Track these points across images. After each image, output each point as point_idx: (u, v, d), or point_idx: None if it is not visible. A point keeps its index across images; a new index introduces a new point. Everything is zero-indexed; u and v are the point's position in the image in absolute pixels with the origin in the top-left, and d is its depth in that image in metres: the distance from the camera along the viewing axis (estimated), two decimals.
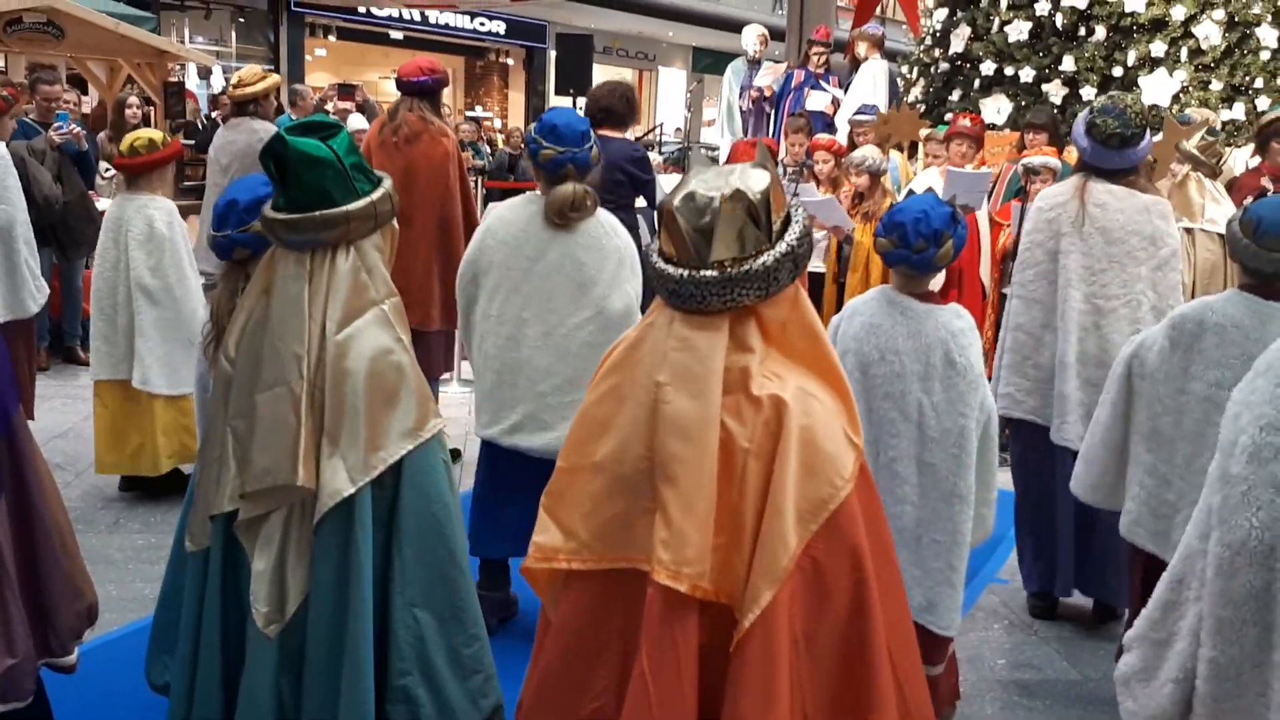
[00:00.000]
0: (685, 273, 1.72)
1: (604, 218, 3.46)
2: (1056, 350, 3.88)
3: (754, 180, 1.75)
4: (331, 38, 19.86)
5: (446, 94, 22.14)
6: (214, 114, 10.61)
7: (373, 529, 2.27)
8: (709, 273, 1.72)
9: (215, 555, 2.37)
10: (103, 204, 6.80)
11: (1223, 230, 3.93)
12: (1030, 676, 3.70)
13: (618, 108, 5.14)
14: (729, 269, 1.72)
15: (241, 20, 17.93)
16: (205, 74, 14.06)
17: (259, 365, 2.26)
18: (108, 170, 7.76)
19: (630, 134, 5.56)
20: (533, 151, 3.44)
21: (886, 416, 2.94)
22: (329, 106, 10.56)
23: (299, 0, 17.93)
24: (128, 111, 7.92)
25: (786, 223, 1.78)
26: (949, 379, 2.89)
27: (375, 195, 2.26)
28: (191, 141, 9.99)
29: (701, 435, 1.70)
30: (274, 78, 5.85)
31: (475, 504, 3.68)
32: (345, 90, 10.30)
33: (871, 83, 8.83)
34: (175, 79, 10.87)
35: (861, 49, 9.07)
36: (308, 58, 19.24)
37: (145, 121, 8.47)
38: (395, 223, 2.37)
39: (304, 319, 2.21)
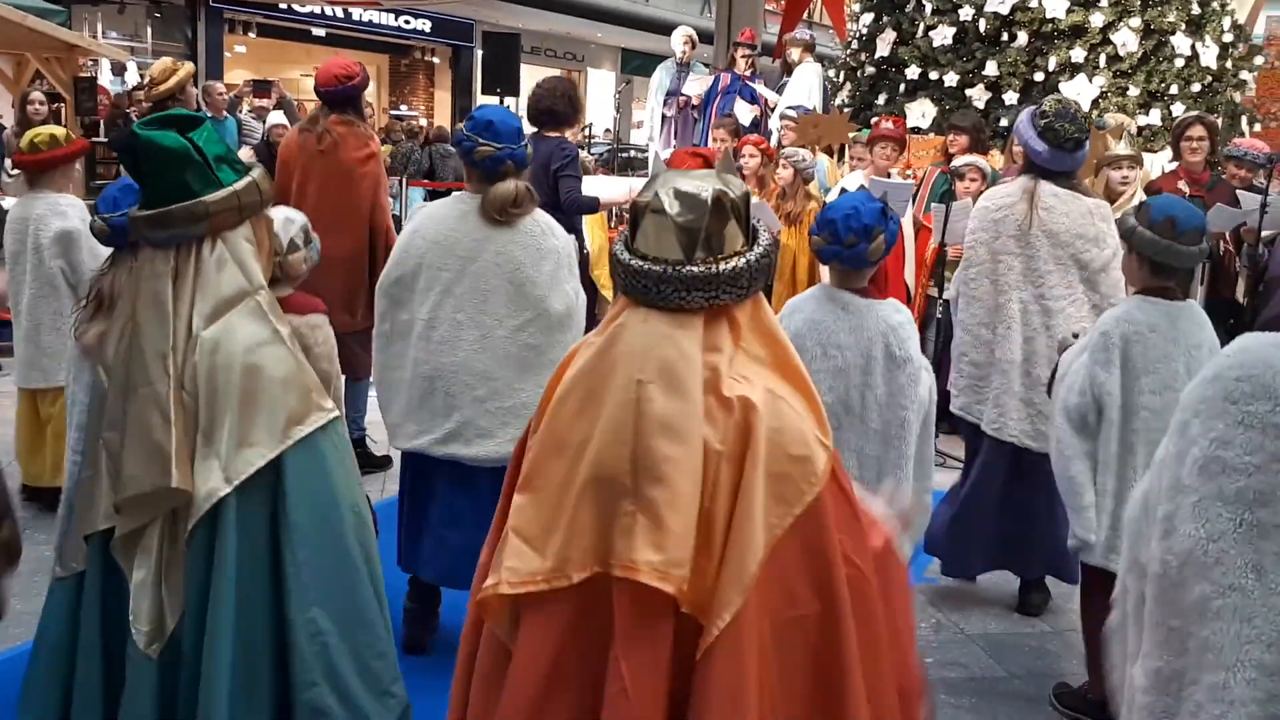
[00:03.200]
0: (666, 268, 1.70)
1: (541, 217, 3.37)
2: (999, 349, 3.97)
3: (735, 183, 1.77)
4: (251, 34, 19.45)
5: (370, 93, 21.80)
6: (130, 111, 10.29)
7: (257, 532, 2.18)
8: (695, 268, 1.70)
9: (91, 578, 2.27)
10: (8, 203, 6.54)
11: None
12: (957, 675, 3.73)
13: (560, 107, 5.08)
14: (715, 266, 1.71)
15: (158, 15, 17.48)
16: (119, 70, 13.66)
17: (131, 366, 2.18)
18: (15, 169, 7.48)
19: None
20: (467, 149, 3.33)
21: (830, 411, 2.93)
22: (244, 103, 10.33)
23: None
24: (30, 108, 7.63)
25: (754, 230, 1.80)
26: (890, 372, 2.94)
27: (239, 185, 2.19)
28: (104, 140, 9.68)
29: (689, 433, 1.67)
30: (187, 67, 5.67)
31: (405, 521, 3.54)
32: (261, 87, 10.06)
33: (806, 87, 8.88)
34: (87, 75, 10.53)
35: (794, 54, 9.13)
36: (226, 54, 18.82)
37: (55, 118, 8.18)
38: (270, 212, 2.32)
39: (168, 317, 2.14)
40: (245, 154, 5.44)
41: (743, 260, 1.73)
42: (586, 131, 16.97)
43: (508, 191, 3.26)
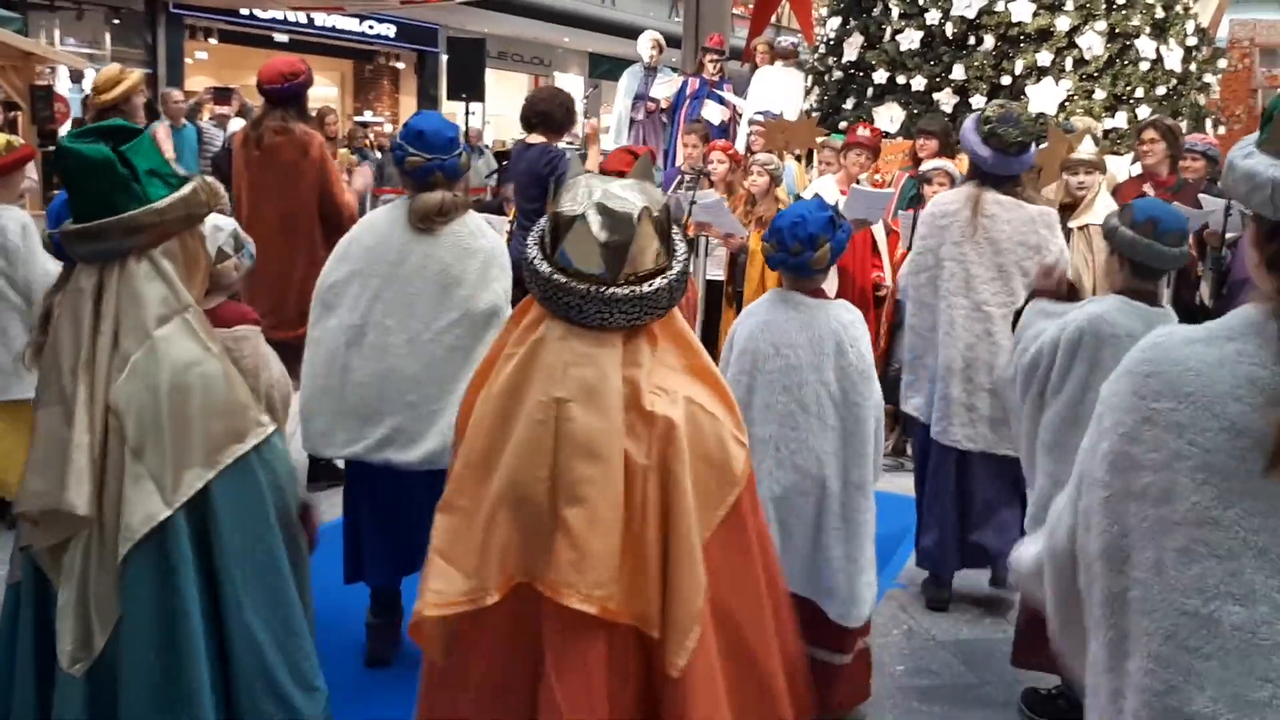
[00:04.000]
0: (590, 288, 1.66)
1: (470, 219, 3.34)
2: (942, 354, 4.01)
3: (655, 194, 1.73)
4: (212, 40, 19.25)
5: (334, 99, 21.61)
6: (85, 117, 10.13)
7: (193, 550, 2.14)
8: (619, 290, 1.67)
9: (26, 589, 2.24)
10: None
11: None
12: (929, 682, 3.72)
13: (556, 114, 5.12)
14: (639, 287, 1.68)
15: (116, 22, 17.24)
16: (78, 77, 13.46)
17: (46, 382, 2.15)
18: None
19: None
20: (398, 158, 3.34)
21: (786, 410, 3.00)
22: (205, 111, 10.18)
23: (178, 1, 17.30)
24: None
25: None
26: (842, 368, 2.98)
27: (164, 201, 2.13)
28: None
29: (609, 453, 1.66)
30: (134, 75, 5.55)
31: (349, 530, 3.51)
32: (221, 94, 9.91)
33: (778, 89, 8.87)
34: (44, 82, 10.35)
35: (774, 58, 9.11)
36: (187, 61, 18.59)
37: (11, 127, 8.02)
38: (203, 227, 2.29)
39: (83, 334, 2.09)
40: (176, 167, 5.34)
41: (664, 280, 1.72)
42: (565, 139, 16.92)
43: (432, 202, 3.25)
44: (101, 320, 2.10)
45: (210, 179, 4.58)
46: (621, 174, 1.81)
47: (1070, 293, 3.41)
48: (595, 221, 1.66)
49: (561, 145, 5.42)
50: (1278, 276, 1.37)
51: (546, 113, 5.07)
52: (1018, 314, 3.40)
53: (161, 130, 7.35)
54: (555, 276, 1.68)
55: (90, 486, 2.07)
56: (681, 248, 1.78)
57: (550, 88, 5.43)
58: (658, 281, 1.70)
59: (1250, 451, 1.33)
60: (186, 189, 2.19)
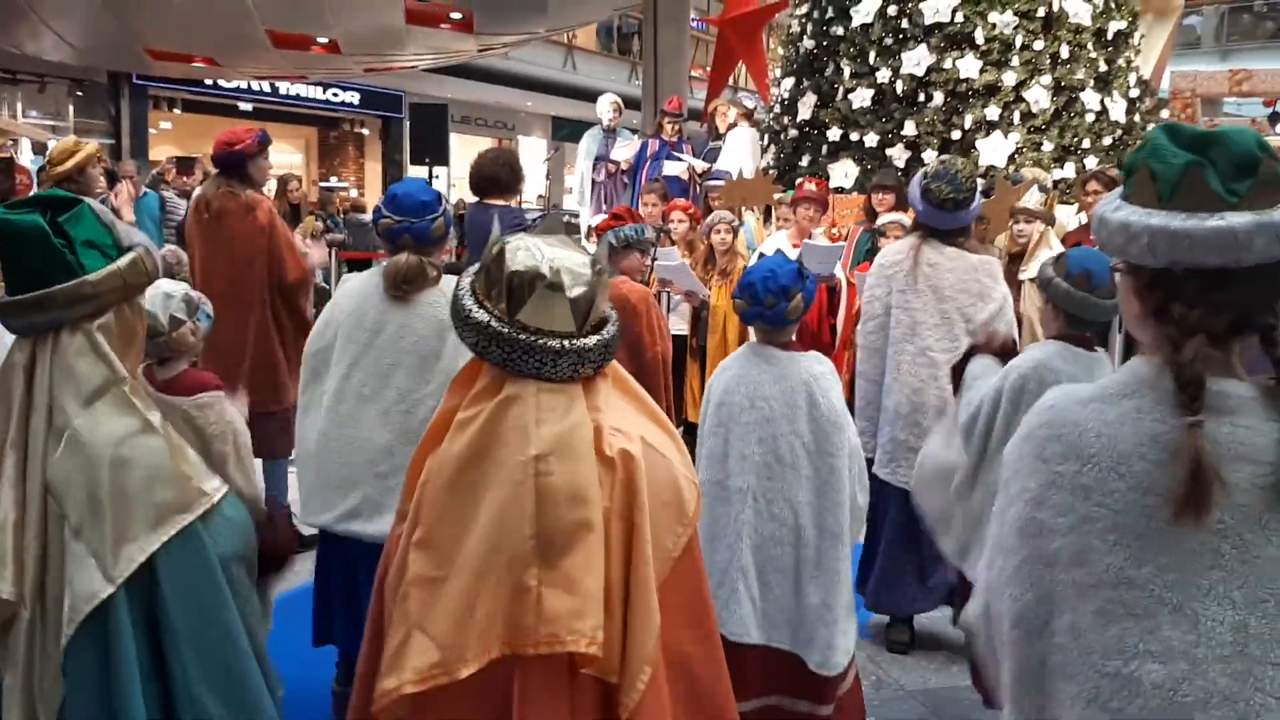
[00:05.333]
0: (563, 343, 1.69)
1: (446, 286, 3.34)
2: (889, 399, 4.14)
3: (588, 249, 1.80)
4: (177, 110, 19.35)
5: (299, 165, 21.63)
6: (41, 190, 10.12)
7: (138, 629, 2.08)
8: (588, 341, 1.71)
9: None
10: None
11: None
12: None
13: (502, 176, 5.12)
14: (601, 335, 1.73)
15: (80, 93, 17.30)
16: (40, 149, 13.47)
17: None
18: None
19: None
20: (374, 221, 3.38)
21: (761, 461, 3.05)
22: (168, 181, 10.19)
23: (141, 73, 17.41)
24: None
25: None
26: (814, 419, 3.03)
27: (98, 274, 2.09)
28: None
29: (592, 498, 1.68)
30: (90, 147, 5.54)
31: (318, 594, 3.48)
32: (184, 164, 9.92)
33: (743, 150, 9.01)
34: (4, 155, 10.35)
35: (733, 114, 9.28)
36: (152, 131, 18.65)
37: None
38: (148, 295, 2.25)
39: (15, 409, 2.05)
40: (169, 250, 5.30)
41: (614, 325, 1.77)
42: (518, 199, 17.08)
43: (398, 266, 3.25)
44: (34, 395, 2.05)
45: (175, 249, 4.57)
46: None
47: (1011, 354, 3.46)
48: (566, 280, 1.70)
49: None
50: (1164, 324, 1.38)
51: (492, 176, 5.09)
52: (956, 367, 3.45)
53: (124, 192, 7.30)
54: (522, 337, 1.69)
55: (13, 568, 2.01)
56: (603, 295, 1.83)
57: (493, 150, 5.38)
58: (610, 328, 1.75)
59: (1159, 509, 1.33)
60: (124, 260, 2.14)
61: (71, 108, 17.08)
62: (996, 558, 1.48)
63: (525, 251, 1.74)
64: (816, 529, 3.03)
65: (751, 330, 3.22)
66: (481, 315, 1.74)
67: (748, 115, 9.25)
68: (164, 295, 3.08)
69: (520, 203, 15.81)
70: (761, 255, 5.69)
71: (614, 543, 1.70)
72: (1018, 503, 1.44)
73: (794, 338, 3.19)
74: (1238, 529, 1.33)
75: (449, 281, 3.38)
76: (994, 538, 1.50)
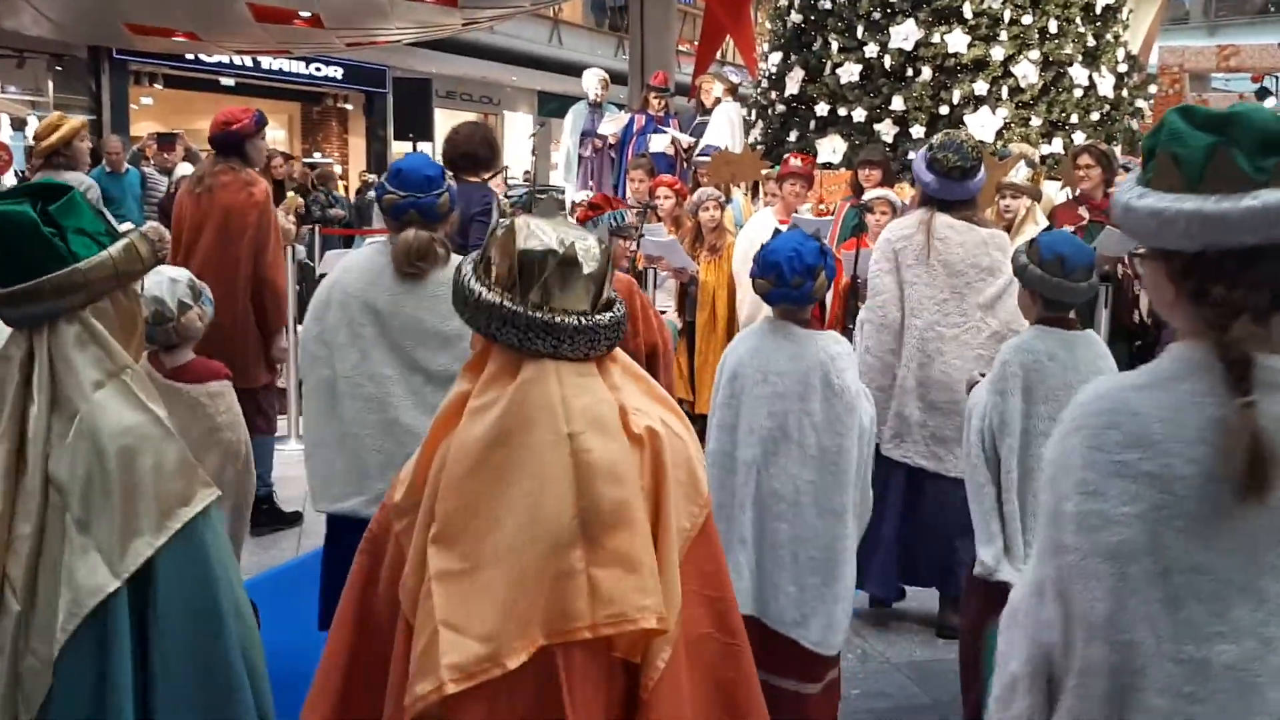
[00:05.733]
0: (580, 321, 1.69)
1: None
2: (899, 375, 4.11)
3: (588, 231, 1.81)
4: (158, 85, 19.11)
5: (283, 141, 21.45)
6: (25, 170, 10.02)
7: (130, 626, 2.00)
8: (602, 318, 1.71)
9: None
10: None
11: None
12: (883, 705, 3.75)
13: (480, 152, 4.99)
14: (612, 314, 1.73)
15: (59, 69, 17.09)
16: (20, 125, 13.33)
17: None
18: None
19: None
20: (378, 196, 3.32)
21: (769, 435, 3.05)
22: (149, 157, 10.09)
23: (121, 48, 17.20)
24: None
25: None
26: (827, 399, 3.02)
27: (89, 261, 2.04)
28: None
29: (630, 475, 1.67)
30: (74, 121, 5.53)
31: (333, 580, 3.34)
32: (165, 140, 9.81)
33: (727, 125, 8.98)
34: None
35: (718, 89, 9.23)
36: (133, 107, 18.44)
37: None
38: (151, 275, 2.19)
39: (8, 401, 2.00)
40: (151, 227, 5.27)
41: (621, 305, 1.77)
42: (504, 175, 17.00)
43: (407, 243, 3.19)
44: (32, 388, 2.01)
45: (156, 225, 4.53)
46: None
47: None
48: (583, 257, 1.70)
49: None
50: (1205, 307, 1.36)
51: (470, 153, 4.95)
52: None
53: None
54: (537, 315, 1.68)
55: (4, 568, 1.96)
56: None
57: (469, 124, 5.22)
58: (620, 306, 1.77)
59: (1223, 492, 1.33)
60: (117, 247, 2.09)
61: (51, 83, 16.87)
62: (1049, 559, 1.44)
63: (534, 231, 1.73)
64: (818, 508, 3.03)
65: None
66: (492, 297, 1.71)
67: (732, 90, 9.22)
68: (170, 280, 3.05)
69: (507, 179, 15.75)
70: (778, 233, 5.67)
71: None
72: (1074, 497, 1.40)
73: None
74: None
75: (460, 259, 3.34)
76: (1046, 540, 1.46)
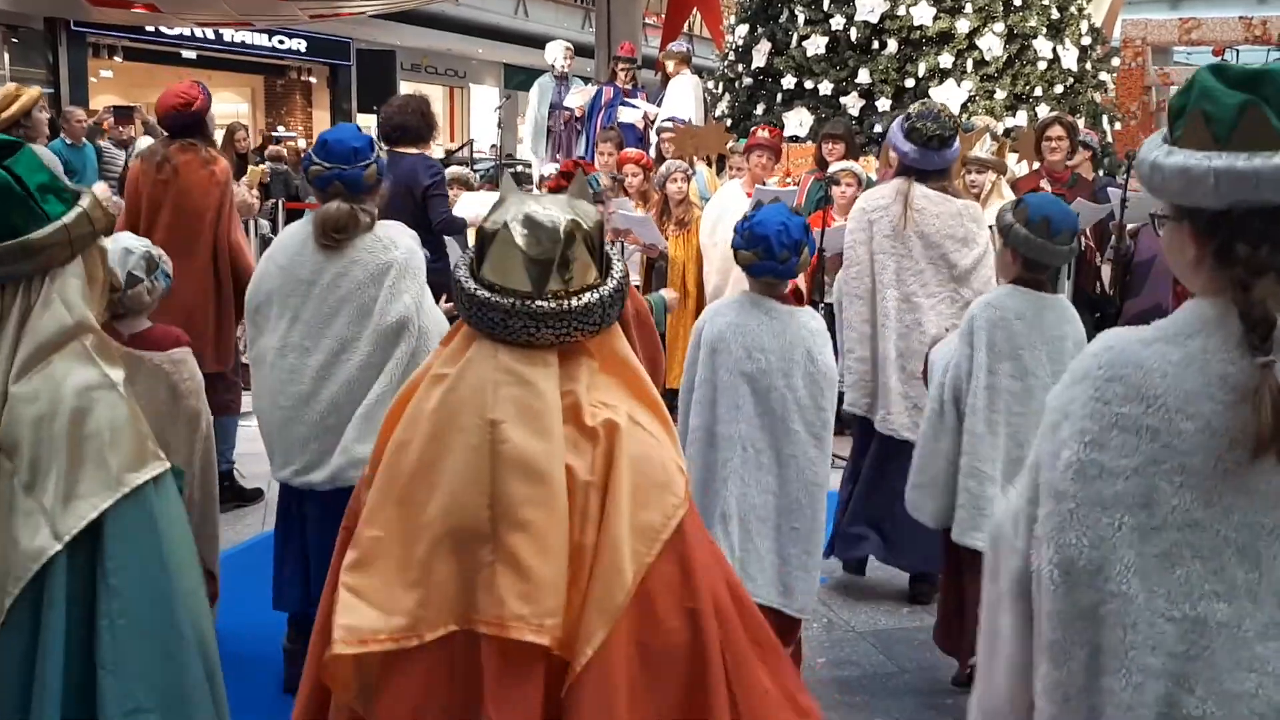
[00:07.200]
0: (515, 302, 1.61)
1: (381, 231, 3.26)
2: (878, 345, 4.13)
3: (588, 211, 1.69)
4: (118, 58, 18.80)
5: (245, 115, 21.14)
6: None
7: (77, 598, 1.98)
8: (543, 304, 1.61)
9: None
10: None
11: None
12: (849, 673, 3.77)
13: (412, 123, 4.94)
14: (565, 302, 1.63)
15: (15, 40, 16.76)
16: None
17: None
18: None
19: (441, 150, 5.37)
20: (304, 168, 3.32)
21: (754, 411, 3.08)
22: (105, 130, 9.93)
23: (79, 19, 16.88)
24: None
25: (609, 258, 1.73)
26: (810, 375, 3.07)
27: (68, 218, 2.02)
28: None
29: (551, 473, 1.59)
30: (31, 92, 5.40)
31: (277, 554, 3.44)
32: (123, 113, 9.67)
33: (681, 97, 8.95)
34: None
35: (670, 65, 9.22)
36: (92, 79, 18.14)
37: None
38: (102, 242, 2.15)
39: None
40: (100, 188, 5.14)
41: (595, 295, 1.66)
42: (469, 148, 16.89)
43: (328, 214, 3.17)
44: (1, 347, 1.98)
45: (104, 185, 4.44)
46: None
47: None
48: (519, 234, 1.62)
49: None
50: (1228, 265, 1.35)
51: (402, 124, 4.92)
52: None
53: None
54: (479, 292, 1.63)
55: None
56: (619, 267, 1.73)
57: (402, 97, 5.18)
58: (587, 297, 1.65)
59: (1228, 450, 1.33)
60: (86, 202, 2.08)
61: (6, 55, 16.55)
62: (1045, 505, 1.44)
63: (505, 206, 1.67)
64: (801, 480, 3.08)
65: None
66: (461, 272, 1.68)
67: (685, 61, 9.18)
68: (124, 250, 3.01)
69: (473, 152, 15.64)
70: (709, 203, 5.64)
71: (591, 516, 1.62)
72: (1072, 445, 1.40)
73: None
74: None
75: (385, 227, 3.30)
76: (1040, 484, 1.45)
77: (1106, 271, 5.78)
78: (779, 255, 3.00)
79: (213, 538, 3.01)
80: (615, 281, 1.70)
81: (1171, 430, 1.34)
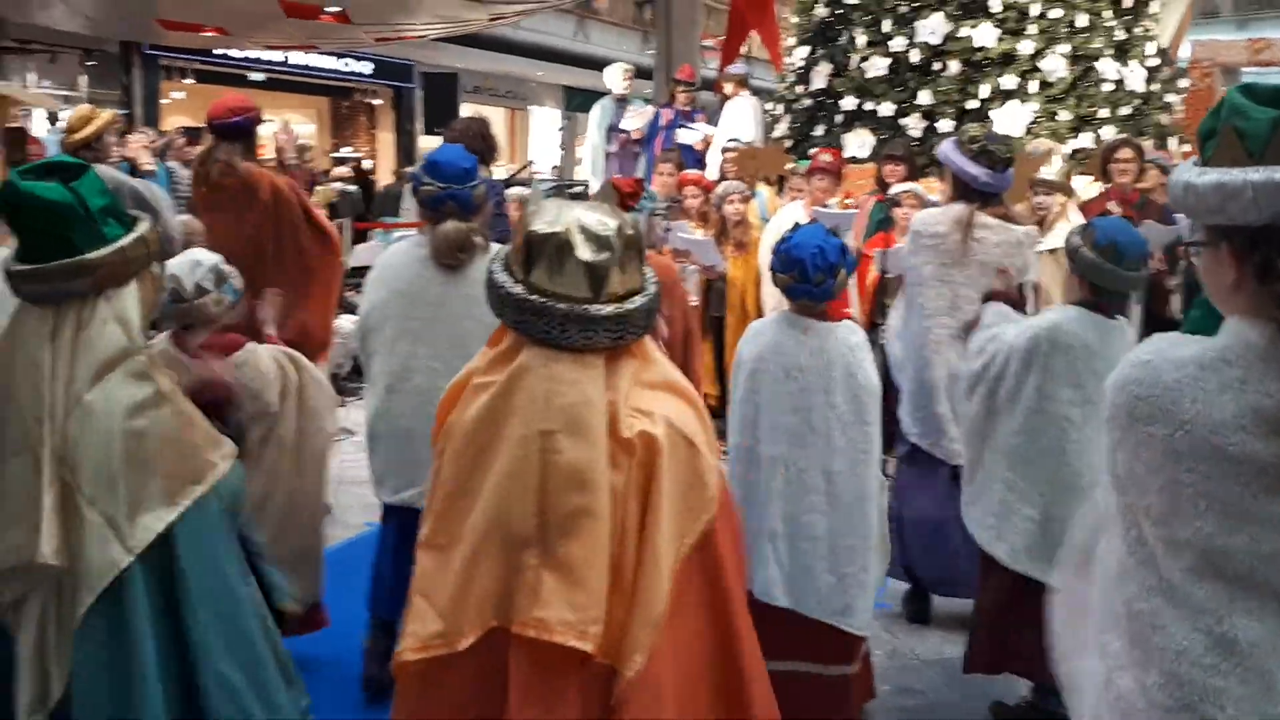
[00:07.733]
0: (574, 308, 1.64)
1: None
2: (929, 372, 4.09)
3: (624, 216, 1.72)
4: (189, 80, 19.24)
5: (311, 135, 21.49)
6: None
7: (156, 597, 2.11)
8: (603, 308, 1.65)
9: None
10: None
11: None
12: (913, 701, 3.74)
13: (474, 146, 5.01)
14: (624, 304, 1.67)
15: (92, 63, 17.23)
16: (54, 119, 13.44)
17: (3, 431, 2.09)
18: None
19: (503, 171, 5.43)
20: (414, 188, 3.34)
21: (795, 430, 3.07)
22: (173, 151, 10.14)
23: (152, 43, 17.33)
24: None
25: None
26: (852, 390, 3.06)
27: (125, 241, 2.11)
28: None
29: (600, 483, 1.62)
30: (105, 115, 5.53)
31: (388, 571, 3.46)
32: (192, 134, 9.88)
33: (739, 118, 8.97)
34: (17, 125, 10.34)
35: (729, 87, 9.24)
36: (163, 101, 18.59)
37: None
38: (156, 267, 2.24)
39: (43, 380, 2.04)
40: (185, 219, 5.14)
41: (644, 299, 1.71)
42: (530, 169, 17.05)
43: (447, 234, 3.23)
44: (57, 364, 2.05)
45: (188, 219, 4.53)
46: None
47: (1020, 305, 3.50)
48: (579, 241, 1.65)
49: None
50: (1272, 283, 1.34)
51: (465, 148, 5.04)
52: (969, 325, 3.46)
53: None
54: (533, 298, 1.65)
55: (60, 538, 2.03)
56: (649, 270, 1.78)
57: (464, 119, 5.17)
58: (638, 300, 1.70)
59: (1254, 479, 1.32)
60: (145, 227, 2.16)
61: (84, 78, 17.02)
62: (1107, 505, 1.49)
63: (549, 213, 1.70)
64: (851, 496, 3.07)
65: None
66: (501, 277, 1.71)
67: (743, 83, 9.21)
68: (192, 262, 3.10)
69: (533, 173, 15.78)
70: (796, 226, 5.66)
71: (629, 528, 1.65)
72: (1116, 454, 1.44)
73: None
74: None
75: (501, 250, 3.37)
76: (1101, 491, 1.51)
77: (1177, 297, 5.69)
78: (814, 278, 2.99)
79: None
80: (655, 285, 1.75)
81: (1196, 456, 1.35)
